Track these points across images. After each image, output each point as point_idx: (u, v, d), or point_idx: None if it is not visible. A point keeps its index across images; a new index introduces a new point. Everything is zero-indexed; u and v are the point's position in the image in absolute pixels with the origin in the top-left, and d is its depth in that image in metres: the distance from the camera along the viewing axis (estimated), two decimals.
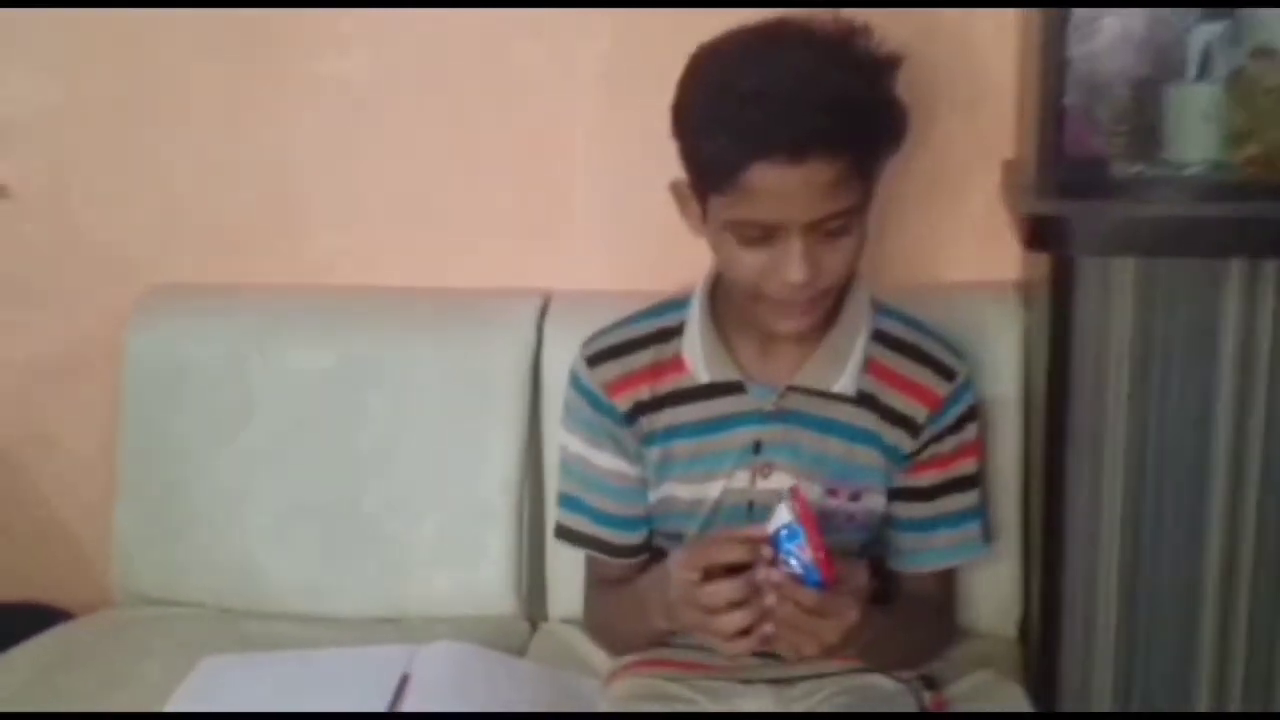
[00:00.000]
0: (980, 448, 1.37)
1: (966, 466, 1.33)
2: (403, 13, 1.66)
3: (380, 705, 1.33)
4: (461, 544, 1.61)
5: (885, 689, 1.27)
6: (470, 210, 1.74)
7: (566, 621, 1.57)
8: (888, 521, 1.33)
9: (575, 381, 1.36)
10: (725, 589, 1.11)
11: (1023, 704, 1.36)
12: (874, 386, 1.28)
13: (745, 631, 1.12)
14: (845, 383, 1.26)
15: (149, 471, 1.68)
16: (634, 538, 1.36)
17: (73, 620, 1.73)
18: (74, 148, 1.79)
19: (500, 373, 1.62)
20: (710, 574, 1.13)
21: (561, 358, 1.56)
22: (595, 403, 1.33)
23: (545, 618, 1.62)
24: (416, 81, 1.70)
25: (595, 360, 1.34)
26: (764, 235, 1.15)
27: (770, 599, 1.11)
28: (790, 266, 1.15)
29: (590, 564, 1.41)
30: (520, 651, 1.54)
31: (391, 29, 1.68)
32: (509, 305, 1.66)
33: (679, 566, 1.16)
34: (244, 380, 1.66)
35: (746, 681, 1.27)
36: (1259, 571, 1.28)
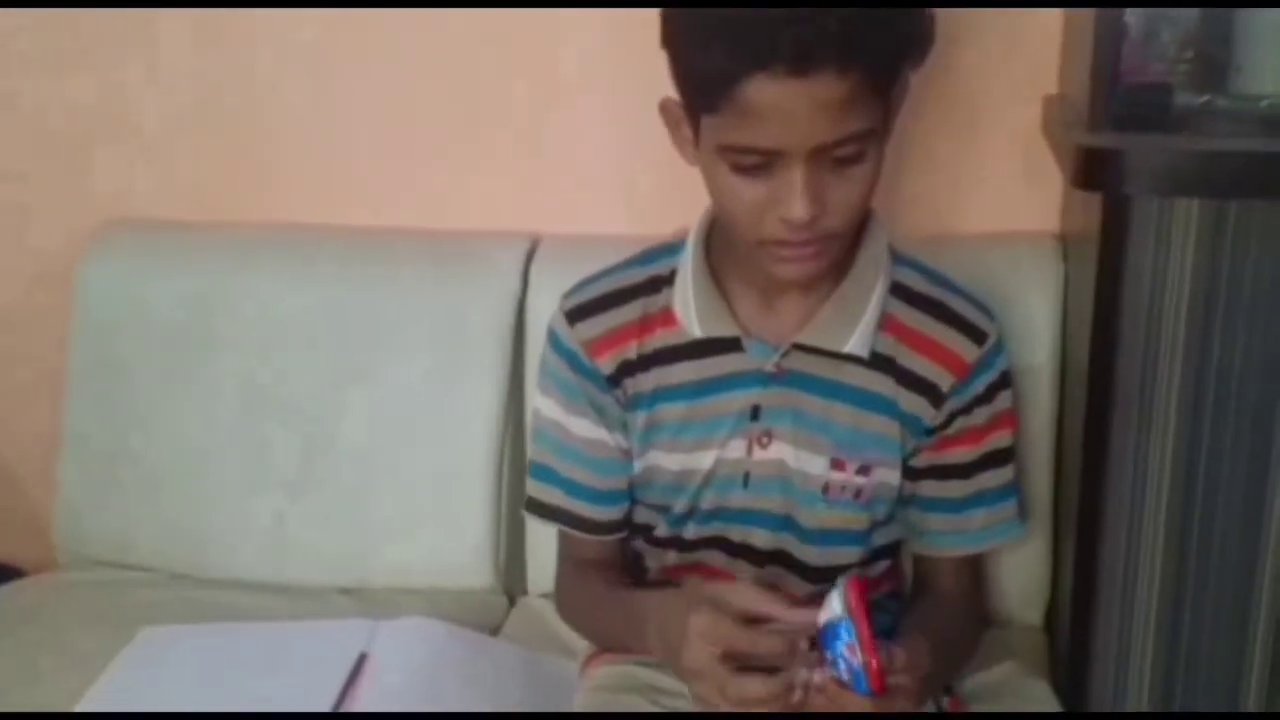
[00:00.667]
0: (1015, 418, 1.24)
1: (1002, 439, 1.21)
2: None
3: (332, 686, 1.21)
4: (434, 509, 1.52)
5: None
6: (455, 147, 1.64)
7: (547, 597, 1.47)
8: (915, 501, 1.20)
9: (553, 339, 1.22)
10: (755, 687, 0.97)
11: (1050, 703, 1.23)
12: (891, 347, 1.14)
13: None
14: (857, 342, 1.12)
15: (97, 423, 1.59)
16: (611, 513, 1.23)
17: (17, 581, 1.64)
18: (25, 75, 1.68)
19: (481, 322, 1.52)
20: (732, 655, 0.99)
21: (549, 307, 1.44)
22: (575, 364, 1.19)
23: (524, 591, 1.53)
24: (399, 14, 1.59)
25: (576, 315, 1.20)
26: (762, 163, 1.00)
27: (797, 696, 0.97)
28: (792, 200, 1.00)
29: (563, 540, 1.28)
30: (495, 628, 1.45)
31: None
32: (493, 248, 1.56)
33: (699, 637, 1.00)
34: (204, 325, 1.56)
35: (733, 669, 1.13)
36: None
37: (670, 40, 1.03)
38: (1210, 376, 1.13)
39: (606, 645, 1.23)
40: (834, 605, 0.97)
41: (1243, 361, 1.12)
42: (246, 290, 1.57)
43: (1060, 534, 1.35)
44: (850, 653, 0.95)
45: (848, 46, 0.95)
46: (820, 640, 0.97)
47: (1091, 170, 1.10)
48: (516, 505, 1.48)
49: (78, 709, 1.24)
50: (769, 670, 0.98)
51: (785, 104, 0.96)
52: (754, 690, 0.97)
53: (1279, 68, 1.17)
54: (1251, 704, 1.20)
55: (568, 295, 1.22)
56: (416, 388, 1.52)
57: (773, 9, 0.95)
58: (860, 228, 1.14)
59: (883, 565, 1.24)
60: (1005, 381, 1.20)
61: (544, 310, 1.43)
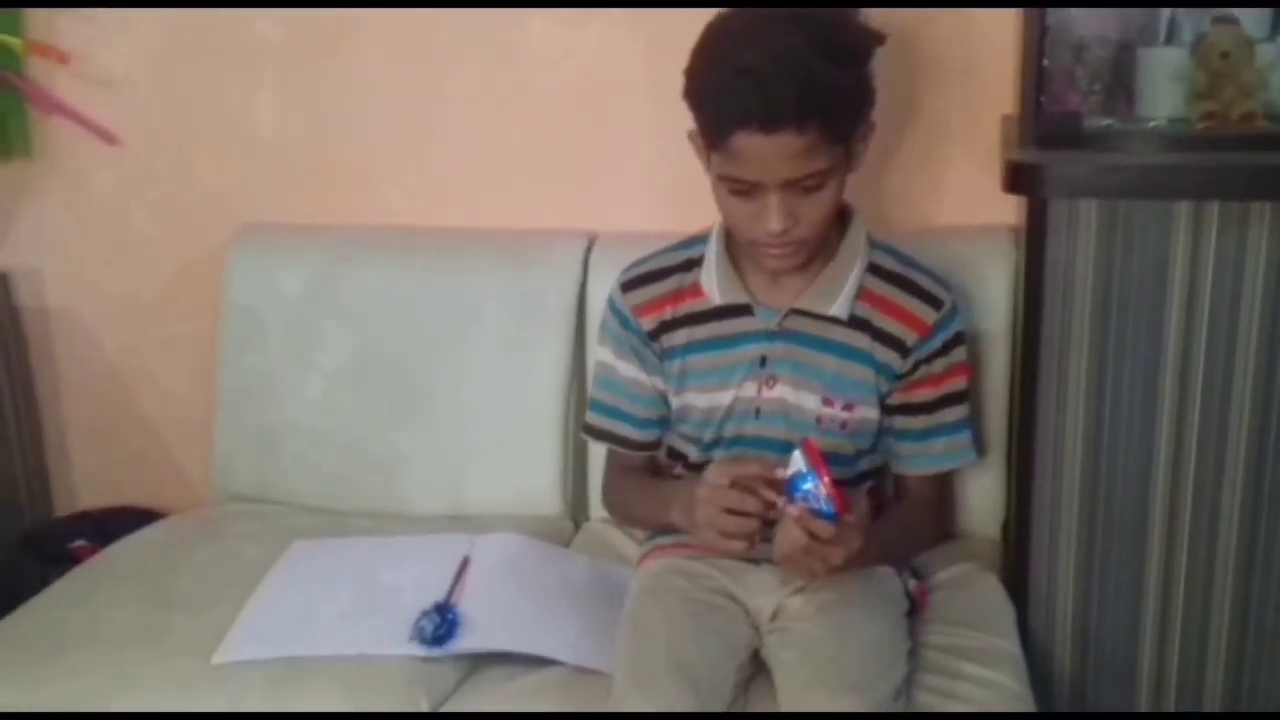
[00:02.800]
0: (969, 368, 1.54)
1: (957, 384, 1.51)
2: None
3: (444, 580, 1.55)
4: (515, 453, 1.82)
5: (878, 572, 1.46)
6: (524, 157, 1.92)
7: (605, 521, 1.78)
8: (890, 432, 1.51)
9: (611, 303, 1.57)
10: (745, 497, 1.33)
11: (999, 591, 1.55)
12: (867, 312, 1.47)
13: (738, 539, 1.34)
14: (839, 307, 1.45)
15: (243, 388, 1.91)
16: (647, 435, 1.58)
17: (177, 514, 1.98)
18: (173, 102, 2.01)
19: (549, 304, 1.81)
20: (728, 509, 1.34)
21: (604, 292, 1.73)
22: (624, 321, 1.55)
23: (587, 518, 1.84)
24: (474, 47, 1.88)
25: (628, 286, 1.55)
26: (748, 189, 1.35)
27: (772, 496, 1.32)
28: (769, 217, 1.35)
29: (610, 454, 1.64)
30: (565, 545, 1.75)
31: None
32: (558, 244, 1.85)
33: (713, 472, 1.38)
34: (323, 306, 1.87)
35: (754, 562, 1.47)
36: (1200, 480, 1.46)
37: (687, 95, 1.37)
38: (1110, 337, 1.42)
39: (638, 523, 1.59)
40: (797, 462, 1.31)
41: (1133, 327, 1.41)
42: (355, 278, 1.87)
43: (1010, 466, 1.64)
44: (816, 491, 1.29)
45: (803, 112, 1.28)
46: (788, 488, 1.31)
47: (1018, 179, 1.40)
48: (581, 447, 1.81)
49: (251, 602, 1.57)
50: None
51: (759, 151, 1.31)
52: (743, 499, 1.32)
53: (1168, 97, 1.46)
54: (1152, 591, 1.50)
55: (624, 271, 1.57)
56: (497, 357, 1.81)
57: (749, 82, 1.28)
58: (843, 222, 1.47)
59: (867, 485, 1.56)
60: (959, 340, 1.51)
61: (601, 294, 1.72)
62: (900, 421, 1.51)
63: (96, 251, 2.10)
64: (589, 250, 1.83)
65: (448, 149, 1.95)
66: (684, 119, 1.73)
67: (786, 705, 1.31)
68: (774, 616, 1.43)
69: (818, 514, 1.30)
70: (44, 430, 2.18)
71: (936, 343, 1.48)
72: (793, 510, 1.30)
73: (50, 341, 2.15)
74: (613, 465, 1.64)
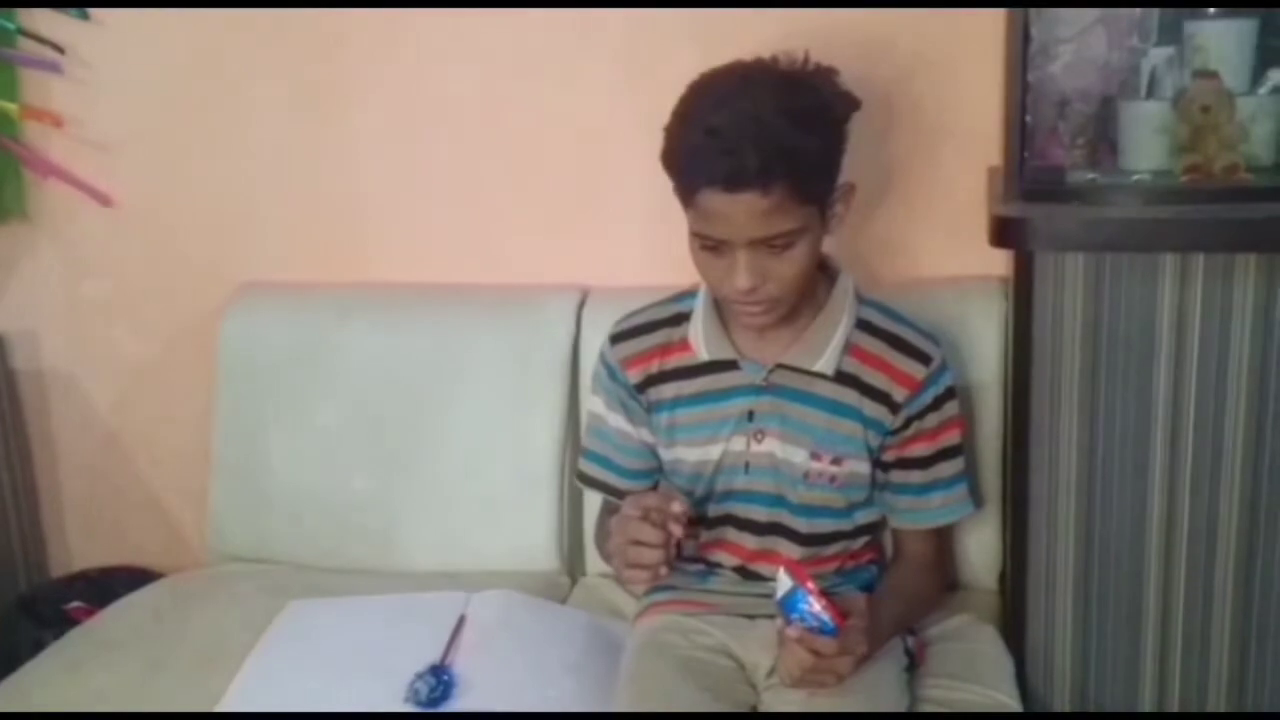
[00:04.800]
0: (962, 422, 1.55)
1: (951, 438, 1.52)
2: (451, 25, 1.86)
3: (440, 639, 1.55)
4: (511, 509, 1.82)
5: None
6: (517, 213, 1.94)
7: (602, 576, 1.78)
8: (887, 487, 1.52)
9: (601, 355, 1.58)
10: (645, 528, 1.34)
11: (997, 642, 1.56)
12: (855, 367, 1.47)
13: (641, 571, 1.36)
14: (824, 363, 1.46)
15: (239, 447, 1.91)
16: (635, 485, 1.58)
17: (177, 574, 1.97)
18: (167, 163, 2.02)
19: (543, 359, 1.82)
20: (645, 518, 1.36)
21: (597, 347, 1.74)
22: (612, 374, 1.56)
23: (584, 573, 1.84)
24: (465, 103, 1.90)
25: (617, 339, 1.56)
26: (716, 246, 1.36)
27: (675, 530, 1.35)
28: (737, 275, 1.36)
29: (603, 500, 1.64)
30: (562, 601, 1.75)
31: (439, 43, 1.88)
32: (551, 299, 1.86)
33: (626, 504, 1.40)
34: (319, 365, 1.88)
35: (750, 618, 1.47)
36: (1195, 528, 1.46)
37: (661, 156, 1.39)
38: (1100, 388, 1.43)
39: (609, 557, 1.55)
40: (784, 582, 1.31)
41: (1123, 377, 1.43)
42: (350, 337, 1.88)
43: (1007, 516, 1.65)
44: (809, 608, 1.29)
45: (766, 173, 1.29)
46: (783, 609, 1.31)
47: (1003, 233, 1.42)
48: (577, 503, 1.82)
49: (247, 664, 1.57)
50: None
51: (724, 210, 1.32)
52: (641, 555, 1.33)
53: (1150, 151, 1.48)
54: (1149, 640, 1.50)
55: (615, 324, 1.58)
56: (491, 413, 1.82)
57: (714, 142, 1.30)
58: (830, 278, 1.48)
59: (864, 539, 1.57)
60: (951, 394, 1.51)
61: (595, 349, 1.72)
62: (897, 476, 1.51)
63: (92, 313, 2.10)
64: (582, 305, 1.84)
65: (441, 206, 1.97)
66: None
67: None
68: (770, 673, 1.43)
69: (817, 630, 1.30)
70: (39, 491, 2.17)
71: (927, 398, 1.48)
72: (791, 632, 1.31)
73: (46, 403, 2.15)
74: (604, 508, 1.65)
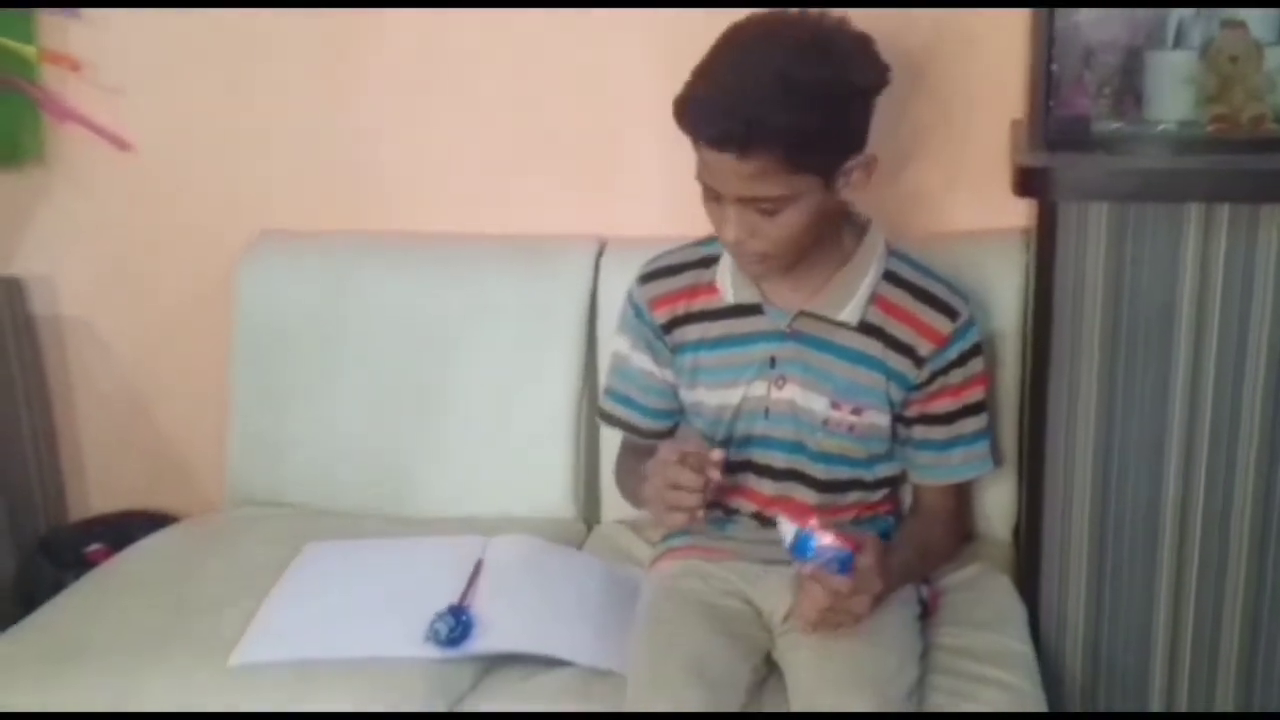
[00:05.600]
0: (986, 379, 1.53)
1: (975, 394, 1.51)
2: None
3: (458, 583, 1.56)
4: (527, 457, 1.83)
5: None
6: (536, 162, 1.93)
7: (618, 524, 1.79)
8: (909, 442, 1.52)
9: (629, 295, 1.59)
10: (684, 472, 1.35)
11: (1010, 592, 1.56)
12: (880, 319, 1.47)
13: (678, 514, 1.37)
14: (848, 313, 1.46)
15: (257, 393, 1.93)
16: (656, 424, 1.60)
17: (190, 518, 1.99)
18: (185, 109, 2.02)
19: (561, 309, 1.82)
20: (672, 483, 1.37)
21: (615, 297, 1.76)
22: (639, 313, 1.57)
23: (599, 520, 1.85)
24: (486, 55, 1.89)
25: (645, 279, 1.57)
26: (715, 195, 1.37)
27: (714, 474, 1.36)
28: (725, 227, 1.37)
29: (623, 438, 1.66)
30: (578, 548, 1.75)
31: None
32: (570, 250, 1.86)
33: (663, 449, 1.40)
34: (337, 312, 1.88)
35: (767, 563, 1.48)
36: (1212, 481, 1.46)
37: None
38: (1121, 339, 1.43)
39: (632, 499, 1.59)
40: (786, 529, 1.32)
41: (1144, 329, 1.42)
42: (368, 284, 1.88)
43: (1023, 469, 1.65)
44: (820, 544, 1.30)
45: (746, 143, 1.29)
46: (794, 554, 1.33)
47: (1027, 183, 1.41)
48: (593, 452, 1.82)
49: (266, 605, 1.58)
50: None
51: (714, 166, 1.33)
52: (680, 498, 1.35)
53: (1176, 101, 1.47)
54: (1163, 594, 1.50)
55: (644, 265, 1.58)
56: (509, 362, 1.82)
57: (706, 100, 1.31)
58: (860, 229, 1.48)
59: (883, 492, 1.57)
60: (977, 351, 1.50)
61: (612, 299, 1.75)
62: (919, 432, 1.51)
63: (109, 258, 2.11)
64: (600, 255, 1.84)
65: (460, 154, 1.96)
66: None
67: (798, 706, 1.32)
68: (786, 618, 1.44)
69: (834, 569, 1.31)
70: (58, 436, 2.19)
71: (953, 354, 1.47)
72: (806, 569, 1.32)
73: (64, 348, 2.16)
74: (624, 445, 1.67)
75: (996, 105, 1.74)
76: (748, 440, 1.52)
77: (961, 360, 1.48)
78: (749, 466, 1.53)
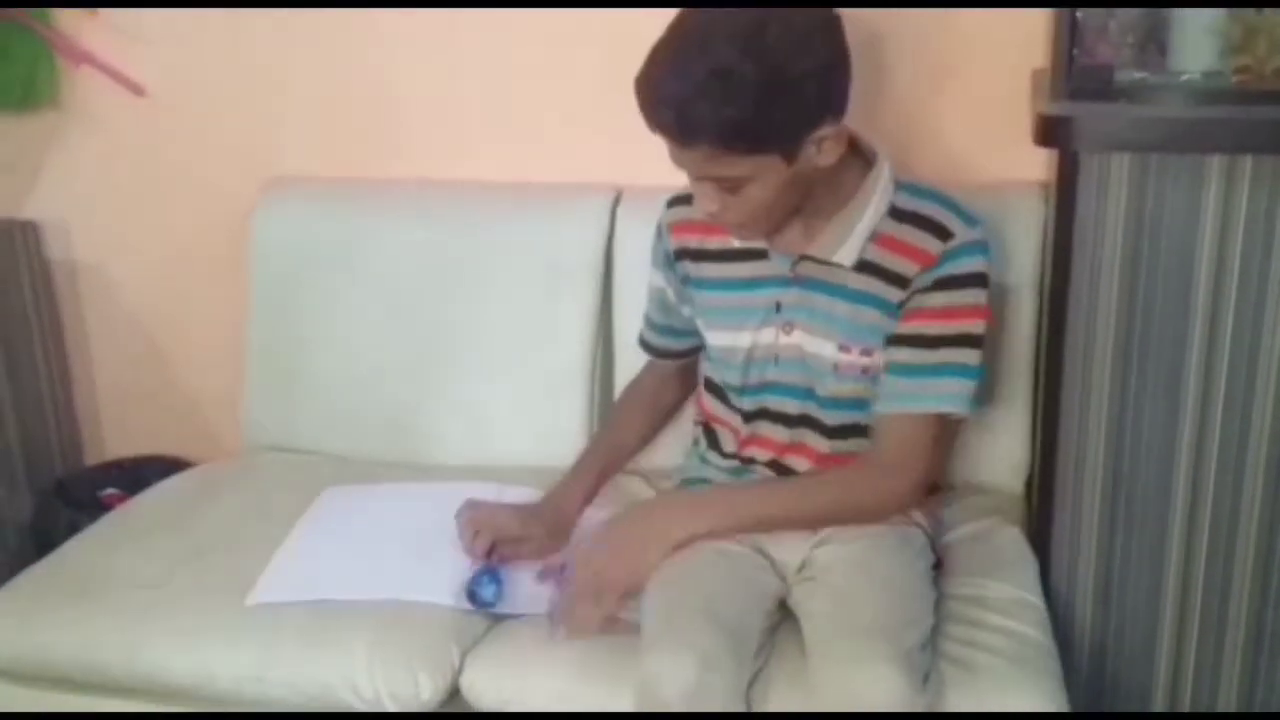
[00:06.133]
0: (985, 311, 1.43)
1: (965, 325, 1.41)
2: None
3: None
4: (540, 405, 1.83)
5: (905, 530, 1.47)
6: (552, 110, 1.92)
7: (628, 473, 1.78)
8: (887, 369, 1.43)
9: (659, 216, 1.61)
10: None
11: (1021, 543, 1.57)
12: (877, 255, 1.44)
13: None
14: (844, 254, 1.44)
15: (272, 339, 1.93)
16: (664, 342, 1.66)
17: (206, 464, 2.01)
18: (200, 53, 2.01)
19: (576, 258, 1.82)
20: None
21: (630, 247, 1.77)
22: (659, 233, 1.60)
23: None
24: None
25: (672, 203, 1.59)
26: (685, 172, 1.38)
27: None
28: (699, 200, 1.40)
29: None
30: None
31: None
32: (585, 198, 1.85)
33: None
34: (353, 259, 1.89)
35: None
36: (1226, 435, 1.46)
37: None
38: (1139, 292, 1.42)
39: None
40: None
41: (1163, 282, 1.41)
42: (383, 231, 1.89)
43: (1037, 419, 1.66)
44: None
45: (683, 136, 1.31)
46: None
47: (1049, 132, 1.39)
48: (607, 400, 1.82)
49: (284, 546, 1.59)
50: None
51: (669, 150, 1.35)
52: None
53: (1201, 50, 1.45)
54: (1174, 546, 1.51)
55: (679, 190, 1.55)
56: (524, 310, 1.83)
57: (648, 91, 1.32)
58: (867, 164, 1.45)
59: None
60: (975, 280, 1.41)
61: (629, 249, 1.76)
62: (896, 354, 1.43)
63: (124, 203, 2.11)
64: (616, 204, 1.83)
65: (475, 101, 1.95)
66: None
67: (814, 653, 1.33)
68: (801, 569, 1.45)
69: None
70: (74, 380, 2.20)
71: (941, 273, 1.40)
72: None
73: (79, 292, 2.17)
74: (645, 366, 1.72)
75: (1019, 54, 1.72)
76: (762, 387, 1.52)
77: (952, 283, 1.40)
78: (764, 415, 1.53)
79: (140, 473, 2.04)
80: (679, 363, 1.67)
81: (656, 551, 1.40)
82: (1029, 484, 1.70)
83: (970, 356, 1.43)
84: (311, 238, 1.92)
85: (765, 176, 1.34)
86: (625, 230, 1.80)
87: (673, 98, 1.29)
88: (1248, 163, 1.36)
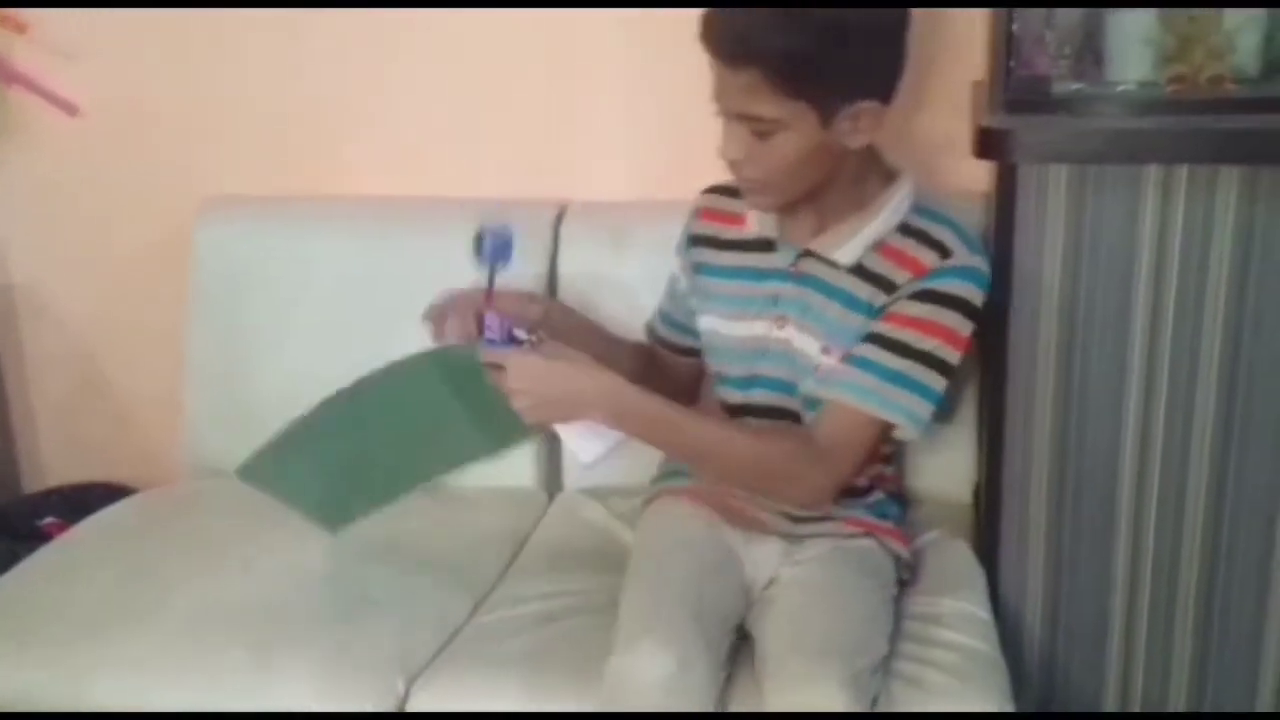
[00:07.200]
0: (962, 340, 1.40)
1: (928, 342, 1.38)
2: None
3: None
4: None
5: (868, 550, 1.48)
6: (494, 124, 1.91)
7: (581, 492, 1.78)
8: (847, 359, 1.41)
9: (695, 200, 1.60)
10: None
11: (969, 557, 1.56)
12: (874, 261, 1.43)
13: None
14: (844, 254, 1.44)
15: (213, 359, 1.90)
16: (667, 333, 1.65)
17: (148, 490, 1.96)
18: (135, 72, 1.98)
19: (520, 274, 1.72)
20: None
21: (575, 261, 1.76)
22: (692, 214, 1.59)
23: (560, 489, 1.84)
24: (439, 14, 1.85)
25: (709, 190, 1.58)
26: (719, 110, 1.37)
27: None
28: (725, 143, 1.38)
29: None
30: (538, 519, 1.76)
31: None
32: (528, 213, 1.81)
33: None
34: (293, 277, 1.86)
35: (764, 534, 1.48)
36: (1169, 443, 1.46)
37: None
38: (1080, 301, 1.43)
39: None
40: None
41: (1103, 290, 1.42)
42: (324, 249, 1.86)
43: (983, 430, 1.65)
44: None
45: (736, 55, 1.30)
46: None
47: (987, 145, 1.39)
48: None
49: None
50: None
51: (714, 74, 1.34)
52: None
53: (1136, 61, 1.46)
54: (1120, 556, 1.51)
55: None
56: None
57: (712, 11, 1.31)
58: (888, 179, 1.45)
59: (876, 469, 1.55)
60: (964, 306, 1.39)
61: (573, 265, 1.75)
62: (861, 349, 1.40)
63: (60, 224, 2.07)
64: (559, 219, 1.82)
65: (416, 117, 1.93)
66: (656, 84, 1.73)
67: (767, 669, 1.31)
68: (767, 586, 1.44)
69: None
70: (10, 406, 2.16)
71: (929, 284, 1.39)
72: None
73: (15, 316, 2.13)
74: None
75: (957, 67, 1.73)
76: (752, 380, 1.51)
77: (935, 298, 1.38)
78: (750, 410, 1.52)
79: (80, 500, 2.00)
80: (678, 359, 1.65)
81: (574, 415, 1.40)
82: (976, 495, 1.70)
83: (936, 380, 1.40)
84: (252, 257, 1.89)
85: (798, 129, 1.34)
86: (569, 245, 1.79)
87: (738, 16, 1.30)
88: (1183, 172, 1.36)
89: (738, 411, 1.54)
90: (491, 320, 1.47)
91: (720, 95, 1.35)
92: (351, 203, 1.93)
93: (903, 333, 1.39)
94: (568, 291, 1.78)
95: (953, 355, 1.40)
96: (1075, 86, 1.47)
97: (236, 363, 1.88)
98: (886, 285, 1.42)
